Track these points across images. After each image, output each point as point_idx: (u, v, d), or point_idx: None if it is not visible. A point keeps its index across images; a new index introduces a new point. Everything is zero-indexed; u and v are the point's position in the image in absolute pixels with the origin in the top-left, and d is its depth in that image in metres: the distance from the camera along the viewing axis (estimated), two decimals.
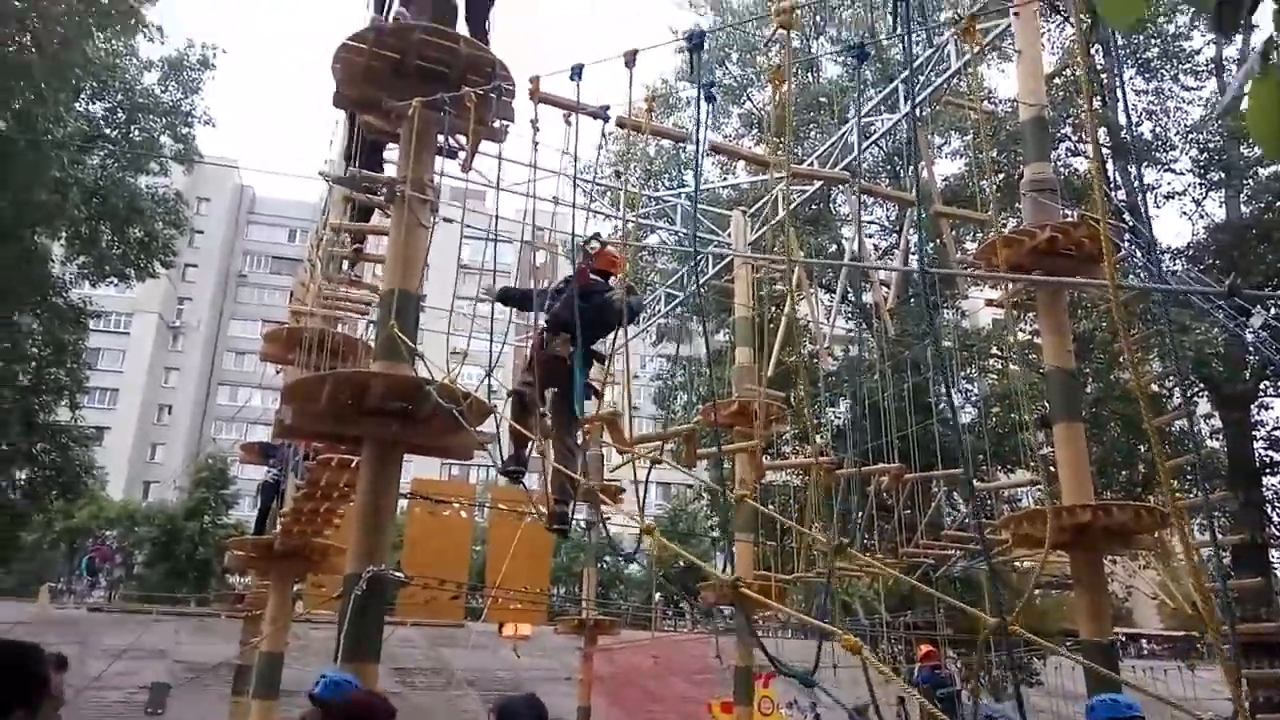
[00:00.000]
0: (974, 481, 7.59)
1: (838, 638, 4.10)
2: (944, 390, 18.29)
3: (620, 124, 8.23)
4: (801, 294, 14.95)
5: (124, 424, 50.10)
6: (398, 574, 6.70)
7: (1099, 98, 16.26)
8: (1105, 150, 16.86)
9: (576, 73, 5.87)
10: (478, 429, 6.86)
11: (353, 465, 8.84)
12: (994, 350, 19.10)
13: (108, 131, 20.65)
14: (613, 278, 6.56)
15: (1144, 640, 31.98)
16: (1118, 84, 16.26)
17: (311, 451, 9.04)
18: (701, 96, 5.61)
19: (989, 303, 10.79)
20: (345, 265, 11.23)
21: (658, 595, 31.68)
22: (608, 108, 6.23)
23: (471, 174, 8.03)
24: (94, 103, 20.21)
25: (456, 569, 16.39)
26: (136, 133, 20.56)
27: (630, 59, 5.72)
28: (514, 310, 7.41)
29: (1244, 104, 1.44)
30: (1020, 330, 18.97)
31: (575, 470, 6.37)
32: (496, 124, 7.70)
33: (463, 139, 7.93)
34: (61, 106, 17.64)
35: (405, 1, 7.40)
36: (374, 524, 6.61)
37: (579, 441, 6.34)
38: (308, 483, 9.50)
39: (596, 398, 6.79)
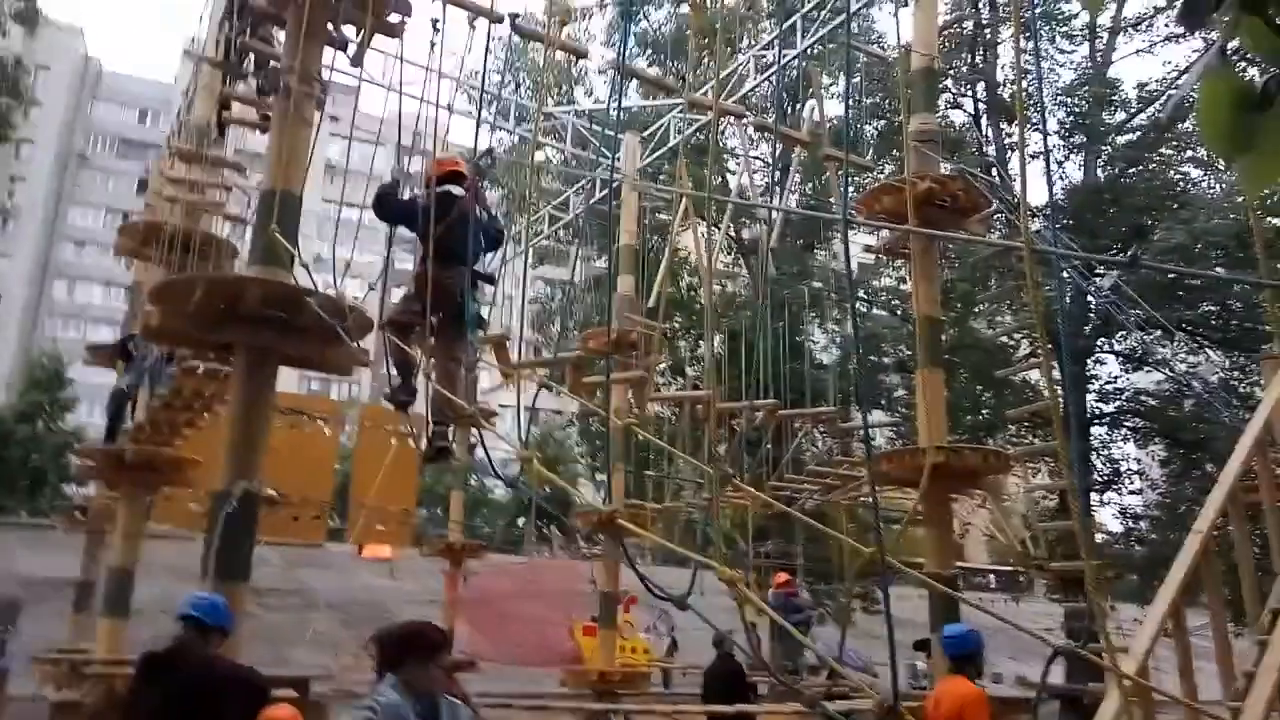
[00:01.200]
0: (840, 421, 7.96)
1: (713, 568, 4.25)
2: (818, 329, 18.96)
3: (520, 33, 7.96)
4: (685, 225, 15.06)
5: None
6: (271, 492, 6.45)
7: (980, 54, 16.80)
8: (981, 106, 17.53)
9: None
10: (359, 344, 6.65)
11: (221, 376, 8.41)
12: (861, 294, 19.81)
13: None
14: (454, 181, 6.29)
15: (976, 574, 34.68)
16: (1007, 40, 16.77)
17: (176, 357, 8.52)
18: (622, 16, 5.44)
19: (866, 249, 11.13)
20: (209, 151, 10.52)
21: (524, 520, 31.92)
22: (515, 16, 5.96)
23: (357, 69, 7.63)
24: None
25: (319, 487, 16.05)
26: None
27: None
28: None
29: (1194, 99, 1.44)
30: (886, 275, 19.78)
31: (459, 395, 6.27)
32: (393, 18, 7.29)
33: (352, 31, 7.50)
34: None
35: None
36: (245, 439, 6.34)
37: (471, 364, 6.22)
38: (172, 391, 8.97)
39: (481, 325, 6.64)
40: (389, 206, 6.26)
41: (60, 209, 53.50)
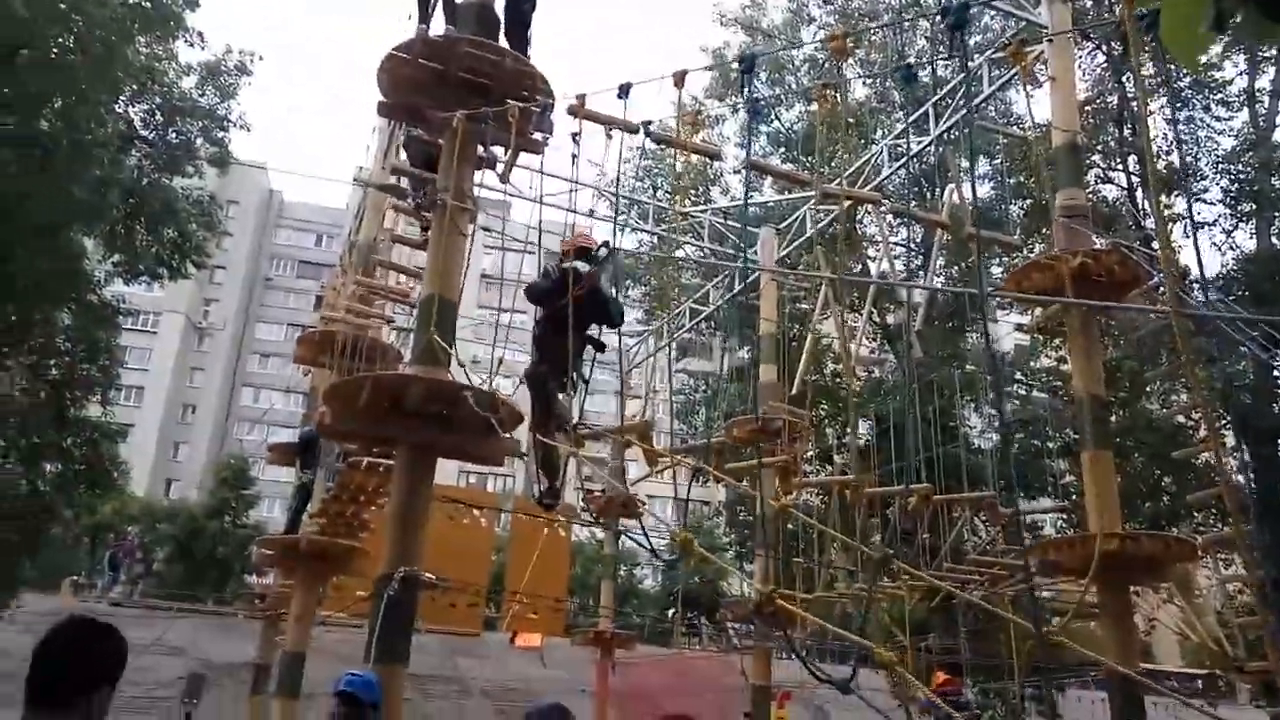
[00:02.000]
0: (1003, 505, 7.60)
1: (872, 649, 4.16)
2: (970, 412, 18.25)
3: (655, 140, 8.36)
4: (827, 313, 15.03)
5: (148, 422, 50.61)
6: (430, 576, 6.77)
7: (1129, 126, 16.26)
8: (1134, 179, 16.86)
9: (624, 91, 5.98)
10: (510, 435, 6.97)
11: (383, 470, 8.97)
12: (1018, 376, 19.06)
13: (145, 134, 21.00)
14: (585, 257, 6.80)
15: (1166, 676, 31.56)
16: (1156, 112, 16.23)
17: (344, 453, 9.16)
18: (749, 114, 5.72)
19: (1018, 328, 10.79)
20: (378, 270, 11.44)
21: (673, 612, 31.61)
22: (649, 123, 6.32)
23: (505, 185, 8.21)
24: (133, 105, 20.56)
25: (476, 576, 16.50)
26: (173, 135, 20.90)
27: (679, 79, 5.83)
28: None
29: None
30: (1045, 356, 18.95)
31: (555, 461, 6.62)
32: (536, 136, 7.84)
33: (500, 150, 8.12)
34: (102, 108, 17.98)
35: (450, 18, 7.56)
36: (407, 526, 6.71)
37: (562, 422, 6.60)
38: (338, 485, 9.63)
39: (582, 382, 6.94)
40: (535, 290, 6.91)
41: (247, 325, 58.67)
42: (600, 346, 6.86)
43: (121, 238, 20.45)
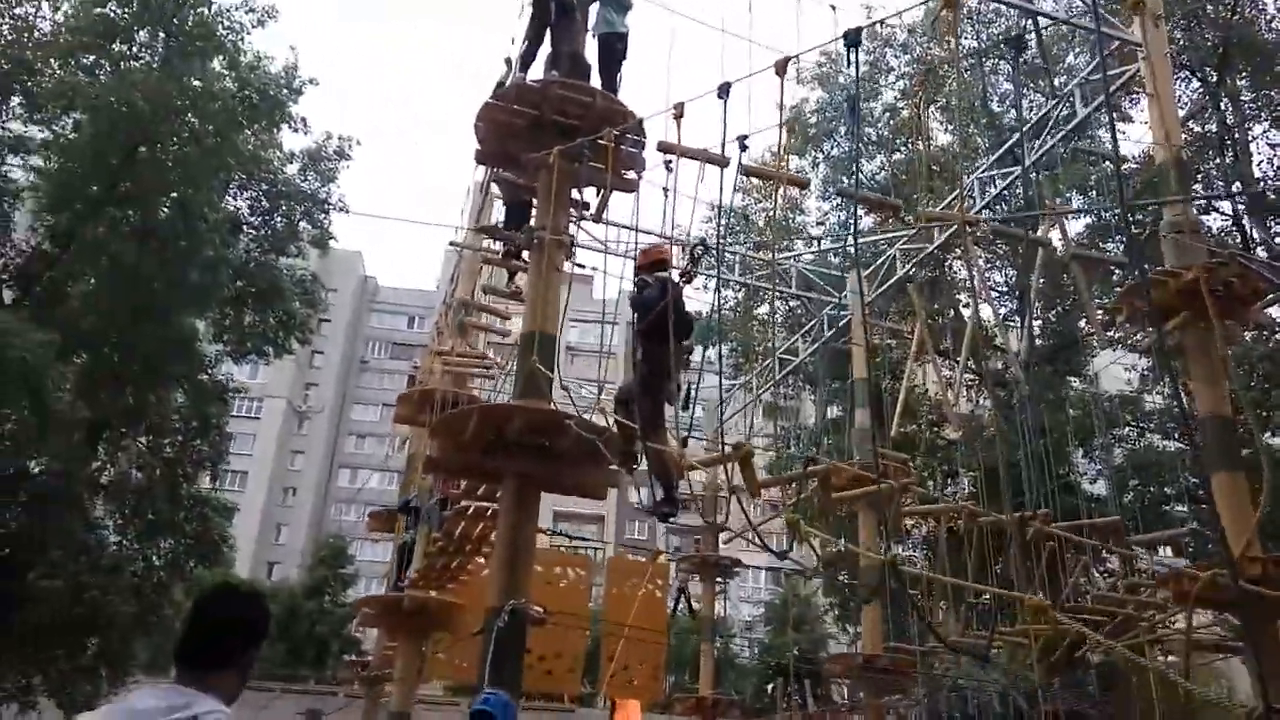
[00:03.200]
0: (1125, 535, 7.14)
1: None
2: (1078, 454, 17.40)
3: (747, 172, 8.43)
4: (921, 360, 14.69)
5: (252, 504, 52.25)
6: (537, 609, 6.71)
7: (1230, 152, 15.72)
8: (1240, 206, 16.21)
9: (723, 91, 6.03)
10: (612, 466, 6.93)
11: (489, 514, 9.01)
12: (1129, 419, 18.19)
13: (252, 219, 22.22)
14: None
15: None
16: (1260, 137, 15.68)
17: (450, 500, 9.25)
18: (850, 110, 5.71)
19: (1132, 348, 10.31)
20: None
21: (773, 685, 30.58)
22: (744, 140, 6.35)
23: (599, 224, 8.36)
24: (242, 192, 21.82)
25: (573, 640, 16.24)
26: (279, 220, 22.04)
27: (781, 68, 5.86)
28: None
29: None
30: (1159, 394, 18.07)
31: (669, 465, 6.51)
32: (629, 175, 8.00)
33: (590, 197, 8.32)
34: (214, 194, 19.11)
35: (551, 65, 7.85)
36: (513, 560, 6.71)
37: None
38: (443, 534, 9.70)
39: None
40: (641, 299, 6.85)
41: (344, 407, 60.54)
42: (689, 355, 6.90)
43: (231, 318, 21.52)
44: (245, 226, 21.99)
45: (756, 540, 5.03)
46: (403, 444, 18.62)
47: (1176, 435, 16.96)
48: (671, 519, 6.45)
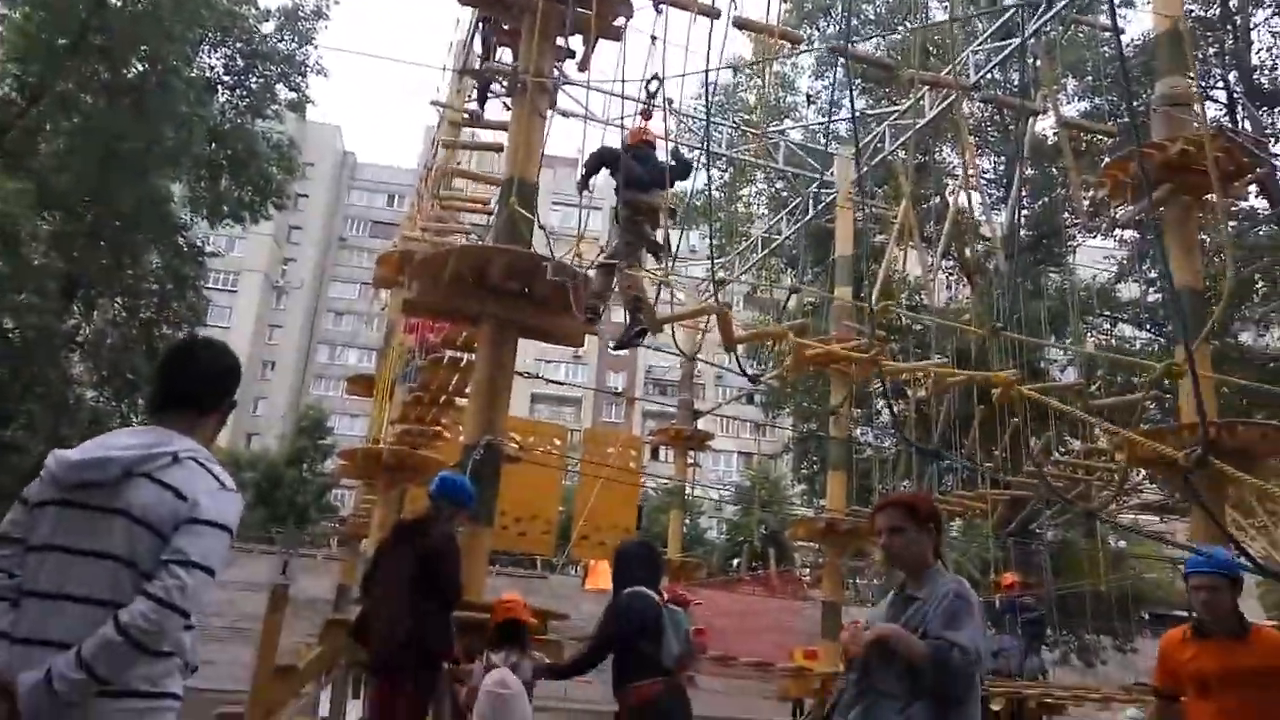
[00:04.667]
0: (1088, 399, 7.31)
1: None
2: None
3: (740, 25, 8.23)
4: (903, 244, 14.70)
5: None
6: (511, 446, 6.86)
7: (1231, 36, 15.43)
8: (1235, 94, 16.03)
9: None
10: (585, 318, 6.96)
11: (462, 365, 9.10)
12: (1104, 311, 18.38)
13: (226, 79, 21.53)
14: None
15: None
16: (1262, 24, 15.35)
17: (427, 351, 9.31)
18: None
19: (1114, 224, 10.37)
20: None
21: (738, 560, 31.74)
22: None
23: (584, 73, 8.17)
24: (216, 51, 21.07)
25: (546, 507, 16.65)
26: (254, 81, 21.37)
27: None
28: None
29: None
30: (1134, 282, 18.26)
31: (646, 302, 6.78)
32: (616, 21, 7.78)
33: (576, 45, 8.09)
34: (188, 49, 18.45)
35: None
36: (490, 400, 6.81)
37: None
38: (419, 385, 9.80)
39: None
40: (594, 157, 7.01)
41: (323, 284, 60.07)
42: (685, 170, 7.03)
43: (206, 181, 21.10)
44: (220, 87, 21.33)
45: (732, 364, 5.12)
46: (381, 310, 18.55)
47: (1148, 327, 17.24)
48: (640, 341, 6.58)
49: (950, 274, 20.23)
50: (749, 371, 5.50)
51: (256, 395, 55.39)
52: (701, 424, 18.04)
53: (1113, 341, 18.14)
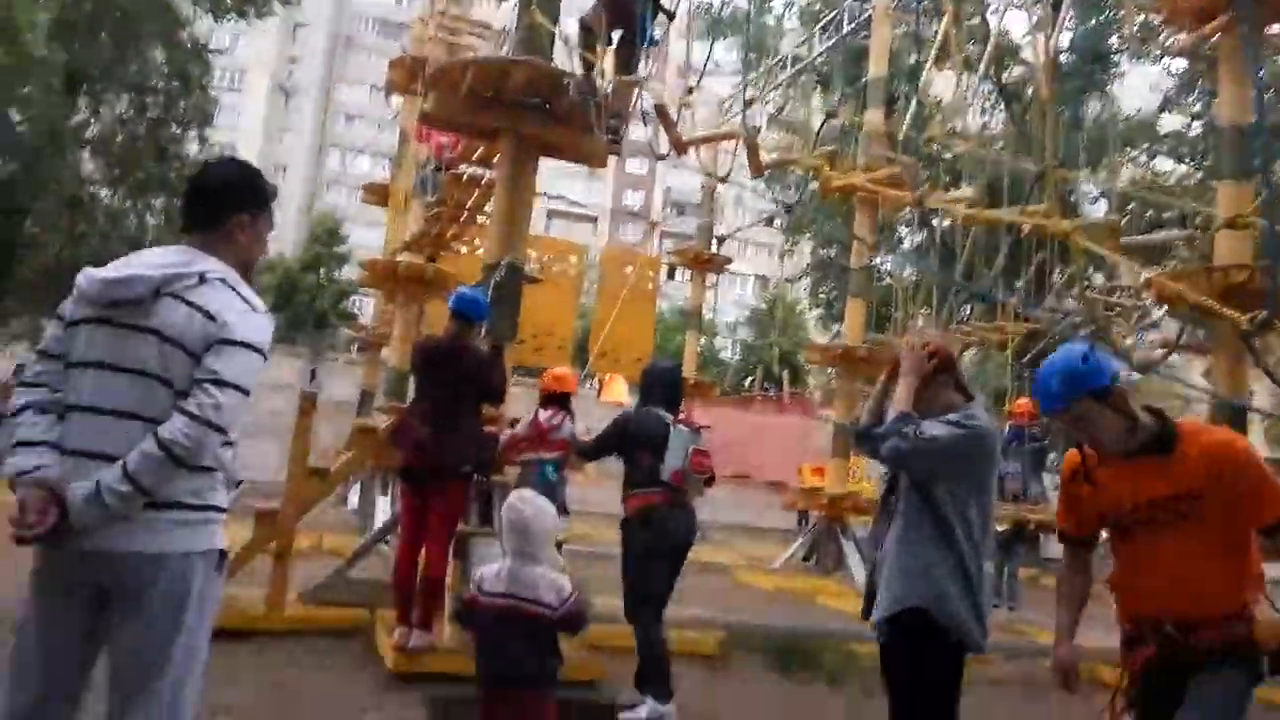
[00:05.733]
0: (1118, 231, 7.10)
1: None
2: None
3: None
4: (942, 64, 13.96)
5: None
6: (532, 267, 6.82)
7: None
8: None
9: None
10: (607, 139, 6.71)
11: (484, 181, 8.91)
12: (1145, 143, 17.68)
13: None
14: None
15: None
16: None
17: (446, 166, 9.09)
18: None
19: (1167, 51, 9.79)
20: None
21: (750, 378, 32.32)
22: None
23: None
24: None
25: (563, 323, 16.81)
26: None
27: None
28: None
29: None
30: (1179, 112, 17.48)
31: (630, 102, 6.52)
32: None
33: None
34: None
35: None
36: (511, 219, 6.69)
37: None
38: (438, 200, 9.64)
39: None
40: None
41: (332, 86, 58.11)
42: (670, 15, 6.46)
43: None
44: None
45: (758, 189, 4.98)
46: (394, 116, 18.05)
47: (1187, 160, 16.62)
48: (618, 145, 6.39)
49: (987, 99, 19.35)
50: (778, 200, 5.31)
51: None
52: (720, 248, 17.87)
53: (1149, 175, 17.54)
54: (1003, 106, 19.32)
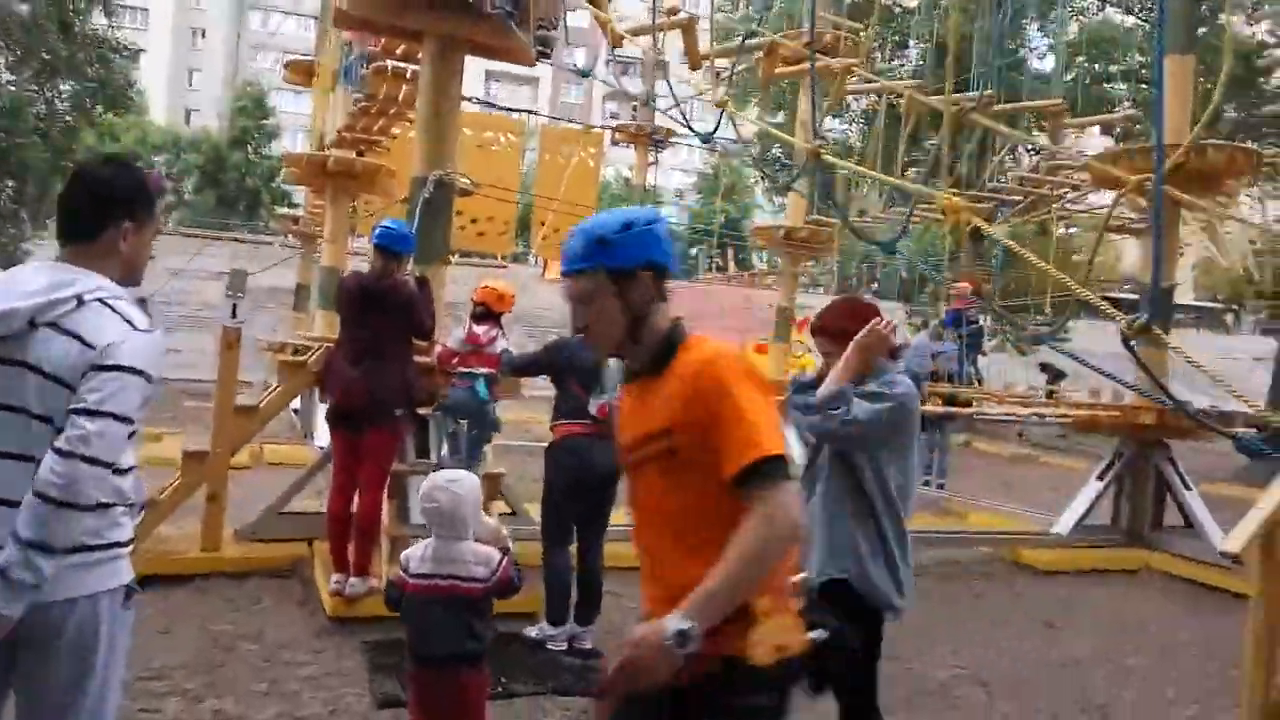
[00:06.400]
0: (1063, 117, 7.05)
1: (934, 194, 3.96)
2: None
3: None
4: None
5: (158, 46, 48.45)
6: (464, 180, 6.55)
7: None
8: None
9: None
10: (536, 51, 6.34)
11: (409, 76, 8.41)
12: None
13: None
14: None
15: (1179, 309, 33.02)
16: None
17: (371, 58, 8.53)
18: None
19: None
20: None
21: (698, 250, 32.13)
22: None
23: None
24: None
25: (503, 205, 16.39)
26: None
27: None
28: None
29: None
30: None
31: (559, 8, 6.26)
32: None
33: None
34: None
35: None
36: (437, 128, 6.36)
37: None
38: (366, 95, 9.11)
39: None
40: None
41: None
42: None
43: None
44: None
45: (683, 123, 4.79)
46: None
47: (1136, 10, 16.29)
48: (546, 58, 6.08)
49: None
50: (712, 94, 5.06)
51: (190, 67, 51.91)
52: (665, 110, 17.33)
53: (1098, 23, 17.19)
54: None
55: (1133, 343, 2.44)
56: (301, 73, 15.09)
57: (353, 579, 4.80)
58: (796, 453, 2.53)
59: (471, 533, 3.00)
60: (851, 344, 2.87)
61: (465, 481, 3.02)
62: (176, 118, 47.01)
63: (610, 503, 4.77)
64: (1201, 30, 13.24)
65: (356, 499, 4.83)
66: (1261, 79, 14.32)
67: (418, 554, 3.02)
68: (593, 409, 4.53)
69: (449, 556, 2.96)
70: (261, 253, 30.23)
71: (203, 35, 52.78)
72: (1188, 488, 7.59)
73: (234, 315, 5.73)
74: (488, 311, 5.68)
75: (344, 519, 4.83)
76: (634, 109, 15.94)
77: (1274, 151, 11.78)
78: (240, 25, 53.40)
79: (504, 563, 2.98)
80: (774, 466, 1.66)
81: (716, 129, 4.75)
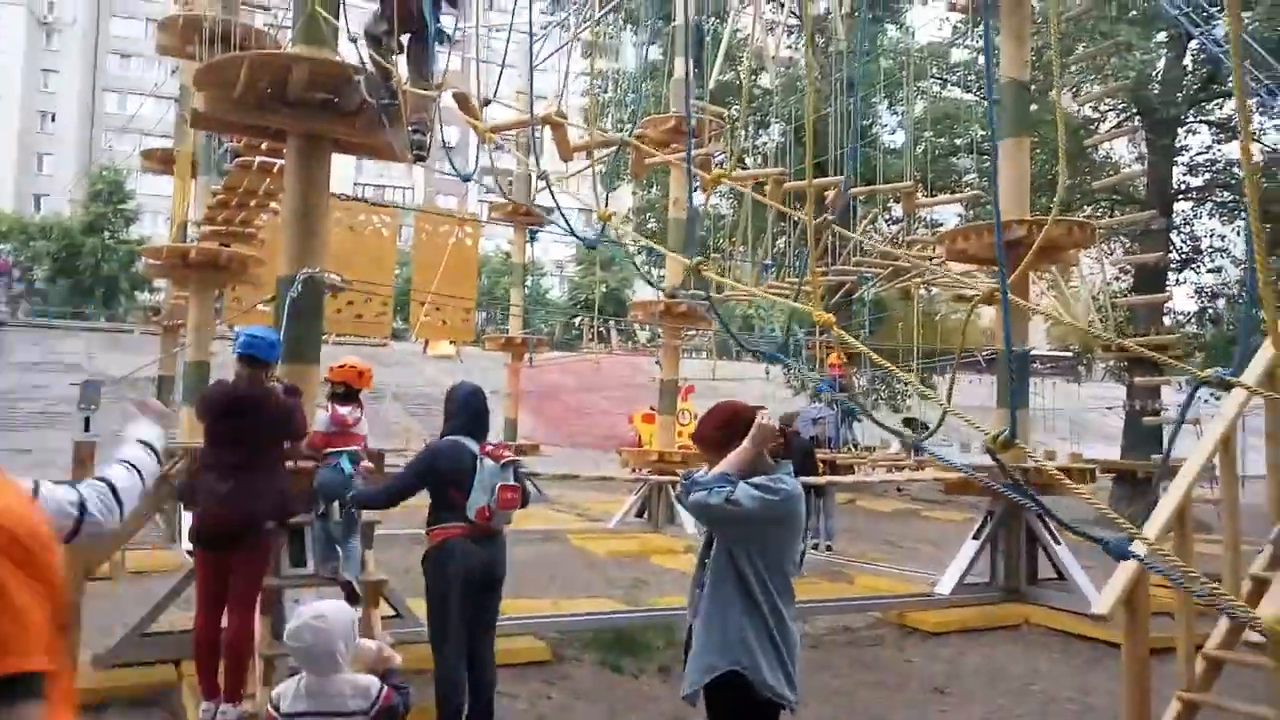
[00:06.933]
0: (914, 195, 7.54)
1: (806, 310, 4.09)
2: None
3: None
4: (746, 4, 14.05)
5: (3, 130, 46.23)
6: (334, 276, 6.40)
7: None
8: None
9: None
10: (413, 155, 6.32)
11: (275, 170, 8.26)
12: (933, 72, 18.58)
13: None
14: None
15: (1035, 361, 35.12)
16: None
17: (233, 153, 8.36)
18: None
19: (952, 6, 10.21)
20: None
21: (580, 318, 32.34)
22: None
23: None
24: None
25: (380, 287, 16.15)
26: None
27: None
28: None
29: None
30: (964, 47, 18.44)
31: (431, 112, 5.96)
32: None
33: None
34: None
35: None
36: (305, 226, 6.22)
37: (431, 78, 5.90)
38: (225, 186, 8.89)
39: (449, 42, 6.13)
40: None
41: (101, 21, 52.29)
42: (453, 2, 5.98)
43: None
44: None
45: (566, 229, 4.85)
46: (174, 71, 16.46)
47: (974, 90, 17.60)
48: (422, 160, 6.01)
49: (792, 33, 19.65)
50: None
51: (39, 151, 49.50)
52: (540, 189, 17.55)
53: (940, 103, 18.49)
54: (805, 42, 19.69)
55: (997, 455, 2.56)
56: (159, 160, 14.66)
57: (224, 706, 4.49)
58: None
59: (346, 666, 2.86)
60: (746, 438, 2.95)
61: (332, 616, 2.87)
62: (25, 203, 44.58)
63: (498, 602, 4.65)
64: (1034, 107, 14.39)
65: (225, 618, 4.55)
66: (1091, 150, 15.61)
67: (290, 690, 2.84)
68: (471, 513, 4.43)
69: (324, 691, 2.80)
70: (120, 341, 28.76)
71: (53, 118, 50.56)
72: (1057, 542, 7.97)
73: (86, 429, 5.37)
74: (349, 390, 5.47)
75: (212, 641, 4.53)
76: (509, 182, 16.06)
77: (1106, 221, 12.82)
78: (94, 107, 51.44)
79: (384, 693, 2.85)
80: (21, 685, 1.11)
81: (601, 234, 4.80)
